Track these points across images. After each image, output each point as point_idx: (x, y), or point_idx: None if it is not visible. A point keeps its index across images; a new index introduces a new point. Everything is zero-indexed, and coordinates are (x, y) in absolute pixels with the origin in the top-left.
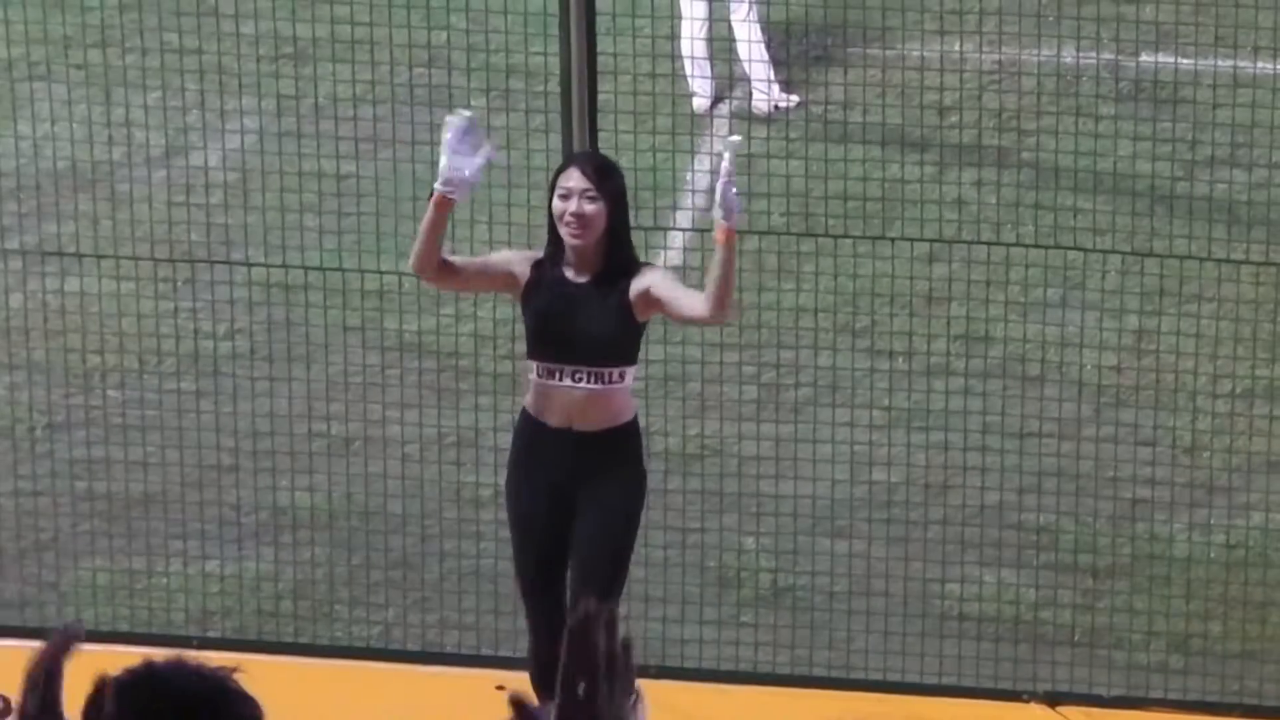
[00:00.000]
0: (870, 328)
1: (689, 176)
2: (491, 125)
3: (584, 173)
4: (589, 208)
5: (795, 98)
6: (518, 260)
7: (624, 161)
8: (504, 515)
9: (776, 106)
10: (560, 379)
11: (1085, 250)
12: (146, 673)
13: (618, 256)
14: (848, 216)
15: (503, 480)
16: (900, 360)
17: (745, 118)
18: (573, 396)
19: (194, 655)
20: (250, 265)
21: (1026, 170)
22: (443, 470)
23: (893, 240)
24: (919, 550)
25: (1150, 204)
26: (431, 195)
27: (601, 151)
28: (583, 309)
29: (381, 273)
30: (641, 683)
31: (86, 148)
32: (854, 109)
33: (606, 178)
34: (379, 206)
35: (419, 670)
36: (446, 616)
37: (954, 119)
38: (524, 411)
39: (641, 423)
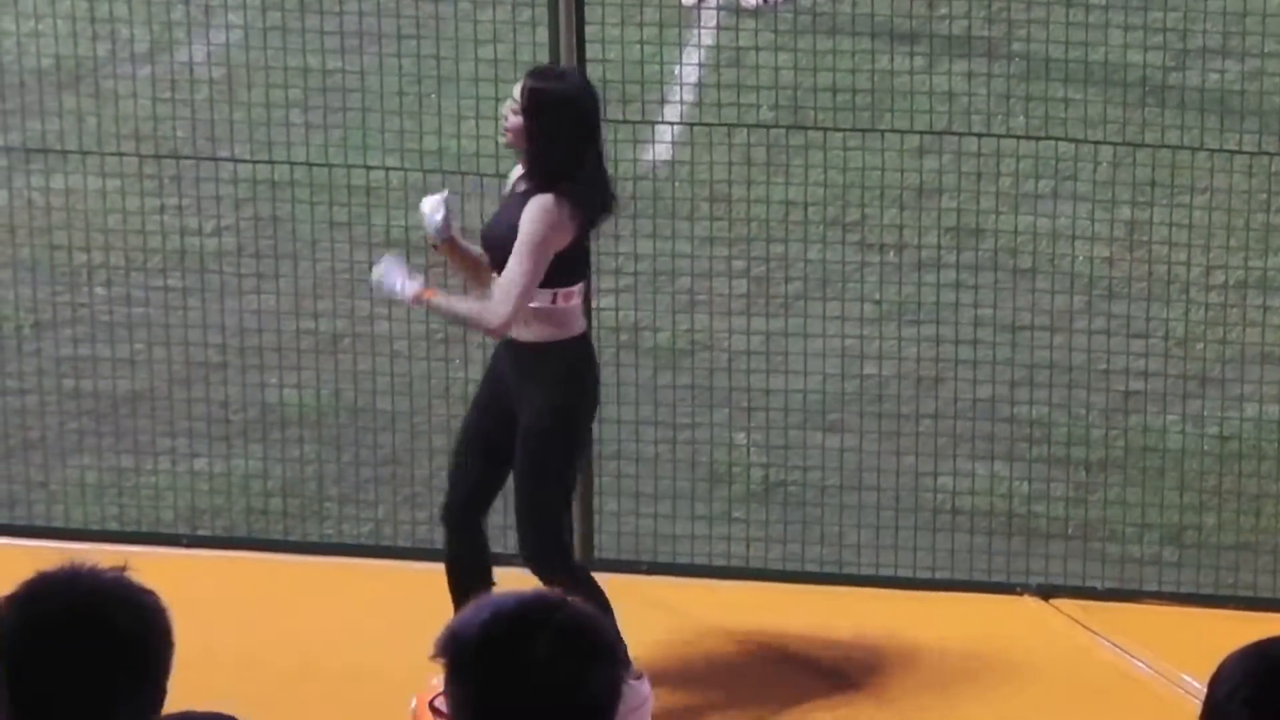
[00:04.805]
0: (860, 221)
1: (677, 70)
2: (478, 20)
3: (522, 85)
4: (512, 119)
5: None
6: None
7: (611, 55)
8: None
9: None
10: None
11: (1076, 142)
12: (40, 583)
13: (535, 173)
14: (837, 109)
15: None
16: (891, 254)
17: (734, 10)
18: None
19: (85, 559)
20: (237, 162)
21: (1017, 61)
22: (431, 367)
23: (883, 133)
24: (910, 444)
25: (1141, 95)
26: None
27: (548, 66)
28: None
29: (369, 168)
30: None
31: (72, 44)
32: (843, 0)
33: (531, 93)
34: (365, 102)
35: (410, 567)
36: (437, 513)
37: (944, 10)
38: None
39: (632, 318)
